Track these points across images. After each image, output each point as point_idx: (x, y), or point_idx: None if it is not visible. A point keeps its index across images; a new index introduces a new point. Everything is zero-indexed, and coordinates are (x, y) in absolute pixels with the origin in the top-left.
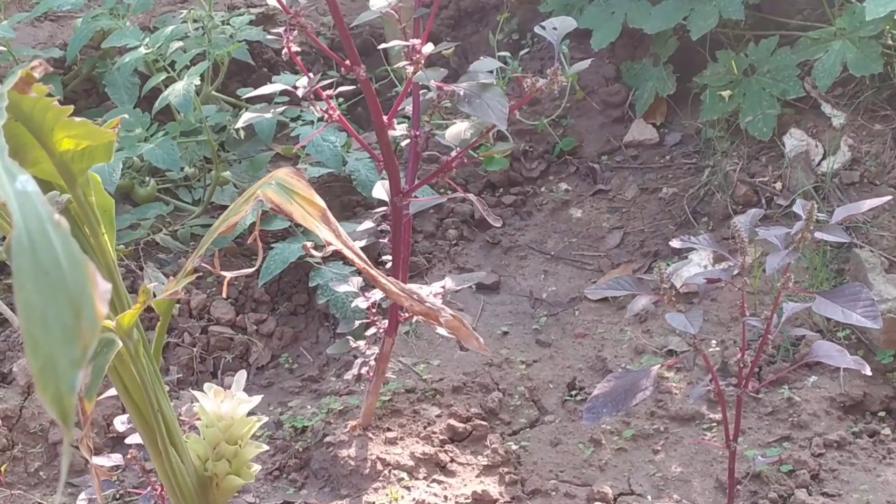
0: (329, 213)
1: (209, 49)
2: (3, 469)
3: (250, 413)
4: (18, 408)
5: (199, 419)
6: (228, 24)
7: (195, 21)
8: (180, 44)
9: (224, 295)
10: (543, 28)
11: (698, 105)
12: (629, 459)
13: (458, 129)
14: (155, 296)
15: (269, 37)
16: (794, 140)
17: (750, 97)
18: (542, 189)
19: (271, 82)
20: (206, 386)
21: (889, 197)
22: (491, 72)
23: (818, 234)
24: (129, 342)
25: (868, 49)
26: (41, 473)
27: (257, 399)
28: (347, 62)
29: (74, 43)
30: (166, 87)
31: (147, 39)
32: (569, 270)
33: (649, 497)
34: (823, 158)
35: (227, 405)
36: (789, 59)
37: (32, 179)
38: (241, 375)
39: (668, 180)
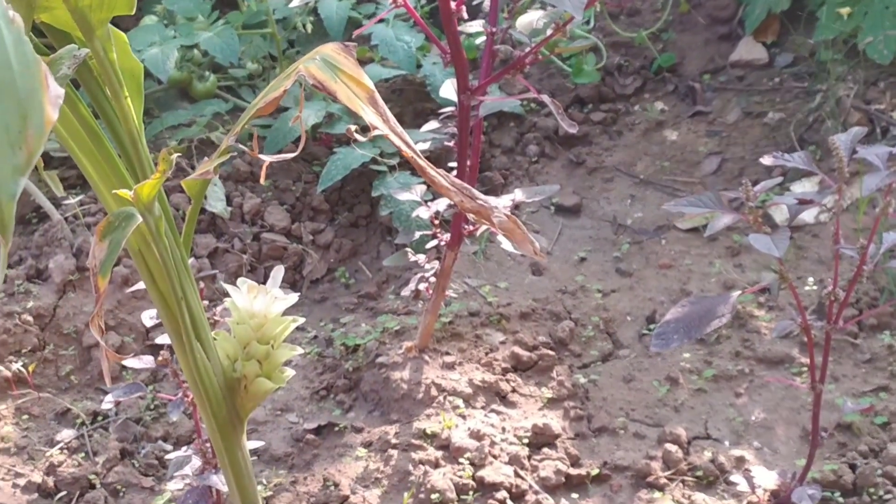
0: (377, 96)
1: None
2: (31, 370)
3: (287, 313)
4: (52, 307)
5: (229, 317)
6: None
7: None
8: None
9: (261, 180)
10: None
11: (814, 23)
12: (708, 401)
13: (531, 19)
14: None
15: None
16: None
17: (872, 16)
18: (636, 108)
19: None
20: (239, 280)
21: None
22: None
23: None
24: (149, 217)
25: None
26: (72, 378)
27: (295, 297)
28: None
29: None
30: None
31: None
32: (658, 196)
33: (727, 443)
34: None
35: (260, 302)
36: None
37: None
38: (279, 270)
39: (775, 105)
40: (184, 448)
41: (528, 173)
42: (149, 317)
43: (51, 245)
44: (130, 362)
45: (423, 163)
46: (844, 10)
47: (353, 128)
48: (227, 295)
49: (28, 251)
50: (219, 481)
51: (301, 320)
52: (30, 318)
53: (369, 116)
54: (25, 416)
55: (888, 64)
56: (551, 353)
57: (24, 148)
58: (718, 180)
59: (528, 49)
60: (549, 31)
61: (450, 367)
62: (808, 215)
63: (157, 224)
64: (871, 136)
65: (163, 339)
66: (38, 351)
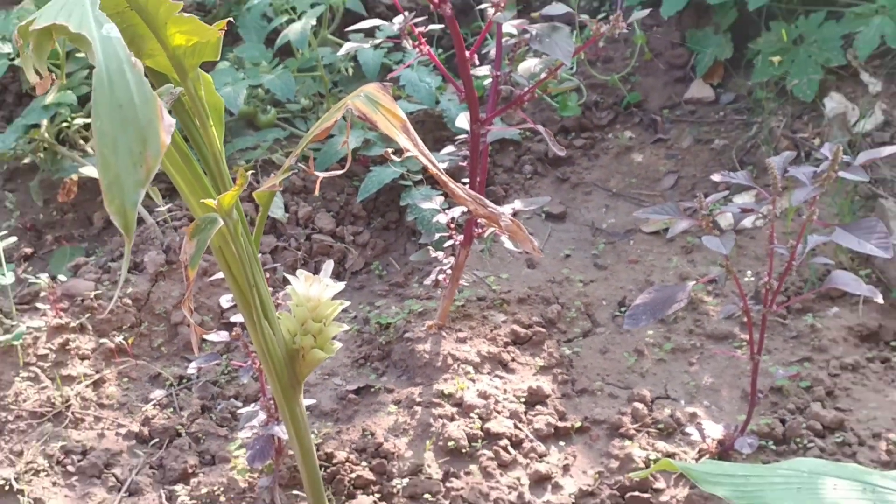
0: (409, 125)
1: None
2: (130, 342)
3: (335, 298)
4: (146, 292)
5: (290, 301)
6: None
7: None
8: None
9: (316, 192)
10: None
11: (751, 69)
12: (667, 369)
13: (529, 64)
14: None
15: None
16: (834, 102)
17: (797, 63)
18: (609, 136)
19: (379, 29)
20: (298, 271)
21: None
22: (565, 17)
23: (842, 173)
24: (229, 221)
25: None
26: (163, 348)
27: (341, 285)
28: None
29: None
30: (287, 28)
31: None
32: (627, 206)
33: (682, 402)
34: (858, 120)
35: (315, 288)
36: (834, 31)
37: (116, 28)
38: (329, 264)
39: (720, 133)
40: (252, 405)
41: (524, 187)
42: (225, 300)
43: (145, 243)
44: (210, 336)
45: (444, 178)
46: (776, 59)
47: (389, 150)
48: (286, 284)
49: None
50: (280, 431)
51: (346, 303)
52: (129, 301)
53: (403, 141)
54: (125, 379)
55: (810, 101)
56: (543, 330)
57: (144, 166)
58: (675, 193)
59: (525, 89)
60: (542, 75)
61: (462, 341)
62: (747, 221)
63: (235, 227)
64: (798, 159)
65: (236, 318)
66: (136, 327)
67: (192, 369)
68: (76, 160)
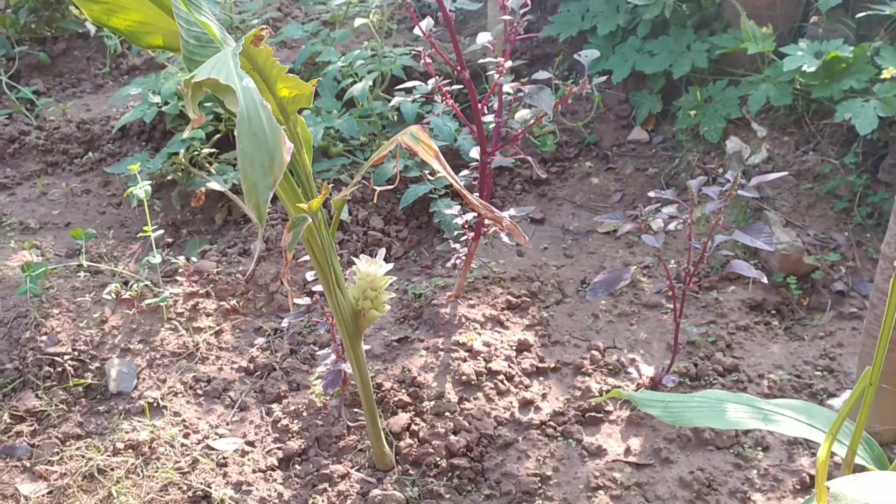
0: (440, 155)
1: (379, 66)
2: (241, 304)
3: (385, 274)
4: (252, 270)
5: (355, 276)
6: (392, 53)
7: (372, 49)
8: (362, 62)
9: (374, 200)
10: (580, 56)
11: (675, 119)
12: (615, 328)
13: (523, 114)
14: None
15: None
16: (733, 143)
17: (707, 115)
18: (575, 165)
19: (416, 89)
20: (361, 256)
21: (785, 173)
22: (547, 81)
23: (741, 192)
24: (315, 219)
25: (783, 89)
26: (263, 309)
27: (390, 266)
28: (458, 68)
29: (300, 58)
30: (352, 87)
31: (342, 58)
32: (587, 214)
33: (625, 350)
34: (750, 156)
35: (372, 267)
36: (733, 93)
37: (252, 80)
38: (381, 252)
39: (652, 164)
40: (325, 349)
41: (515, 200)
42: (309, 275)
43: (252, 236)
44: (298, 300)
45: (464, 192)
46: (692, 112)
47: (426, 172)
48: (352, 265)
49: (239, 239)
50: (346, 367)
51: (392, 279)
52: (240, 276)
53: (436, 166)
54: (237, 330)
55: (716, 142)
56: (528, 299)
57: (272, 176)
58: (621, 206)
59: (519, 131)
60: (531, 121)
61: (472, 306)
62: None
63: (319, 224)
64: (707, 183)
65: (316, 288)
66: (244, 294)
67: (284, 323)
68: (203, 177)
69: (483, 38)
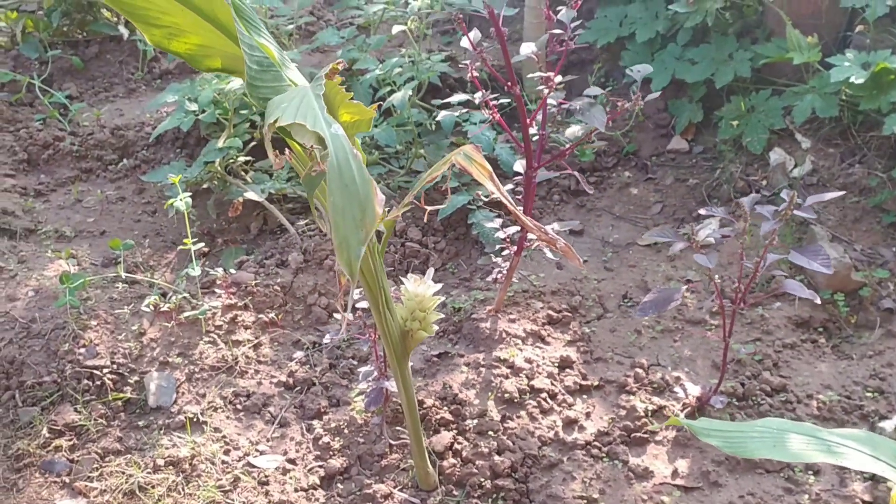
0: (493, 174)
1: (416, 74)
2: (279, 317)
3: (433, 294)
4: (290, 282)
5: (403, 296)
6: (429, 59)
7: (409, 56)
8: (399, 69)
9: (426, 219)
10: (632, 71)
11: (716, 129)
12: (658, 345)
13: (574, 129)
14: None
15: (458, 65)
16: (776, 155)
17: (750, 126)
18: (613, 175)
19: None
20: (408, 276)
21: (841, 192)
22: (595, 96)
23: (797, 212)
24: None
25: (829, 100)
26: (301, 322)
27: (438, 286)
28: (509, 83)
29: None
30: (389, 95)
31: (380, 65)
32: (627, 226)
33: (669, 368)
34: (794, 167)
35: (421, 288)
36: (777, 104)
37: (341, 127)
38: (430, 272)
39: (693, 175)
40: (367, 365)
41: (553, 211)
42: (357, 293)
43: (290, 247)
44: (338, 316)
45: (517, 212)
46: (734, 122)
47: (479, 193)
48: (400, 282)
49: (276, 250)
50: (389, 385)
51: (441, 298)
52: (278, 288)
53: (489, 186)
54: (276, 343)
55: (759, 153)
56: (569, 314)
57: (364, 230)
58: (661, 217)
59: (567, 146)
60: (582, 137)
61: (512, 321)
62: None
63: (373, 247)
64: (753, 195)
65: (360, 305)
66: (283, 307)
67: (326, 339)
68: (239, 186)
69: (526, 48)
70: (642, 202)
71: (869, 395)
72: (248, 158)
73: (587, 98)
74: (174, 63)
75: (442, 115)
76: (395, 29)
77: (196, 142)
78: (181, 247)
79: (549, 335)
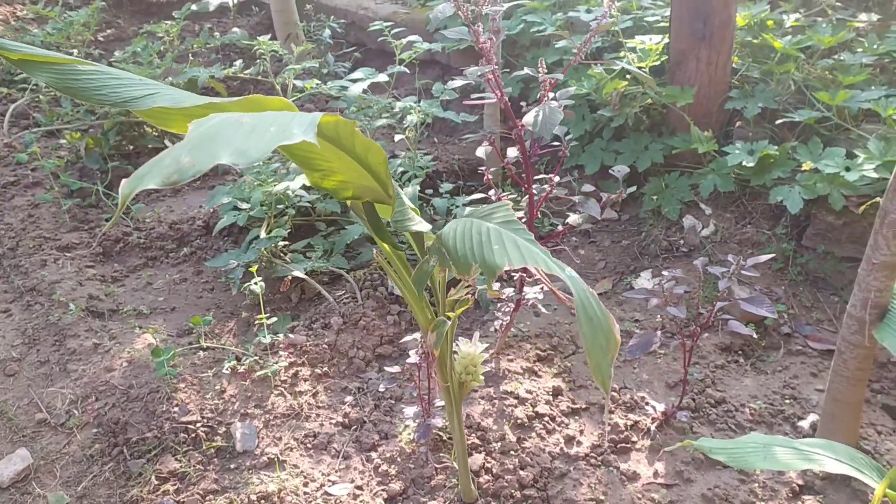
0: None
1: (414, 171)
2: (329, 369)
3: (481, 353)
4: (334, 341)
5: (457, 354)
6: (420, 159)
7: (409, 157)
8: (401, 168)
9: (470, 304)
10: (614, 170)
11: (636, 202)
12: (622, 372)
13: (575, 218)
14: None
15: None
16: (689, 220)
17: (666, 199)
18: (564, 240)
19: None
20: (460, 339)
21: (771, 255)
22: (589, 192)
23: (743, 271)
24: (447, 323)
25: (726, 179)
26: (346, 371)
27: (485, 345)
28: (527, 185)
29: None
30: None
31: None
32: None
33: (634, 389)
34: (702, 229)
35: (472, 348)
36: (685, 182)
37: (573, 270)
38: (476, 335)
39: (624, 237)
40: (412, 407)
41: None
42: (413, 353)
43: (330, 312)
44: (389, 368)
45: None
46: (655, 197)
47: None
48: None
49: (319, 315)
50: (437, 422)
51: (486, 356)
52: (325, 346)
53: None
54: (329, 391)
55: (675, 219)
56: (552, 352)
57: (609, 354)
58: (604, 271)
59: (561, 228)
60: (581, 222)
61: (510, 360)
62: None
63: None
64: (670, 251)
65: (410, 360)
66: (330, 361)
67: (381, 388)
68: (283, 265)
69: (481, 151)
70: (589, 260)
71: (787, 401)
72: (286, 243)
73: (583, 194)
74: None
75: (436, 200)
76: (397, 138)
77: (239, 230)
78: (240, 316)
79: (539, 370)
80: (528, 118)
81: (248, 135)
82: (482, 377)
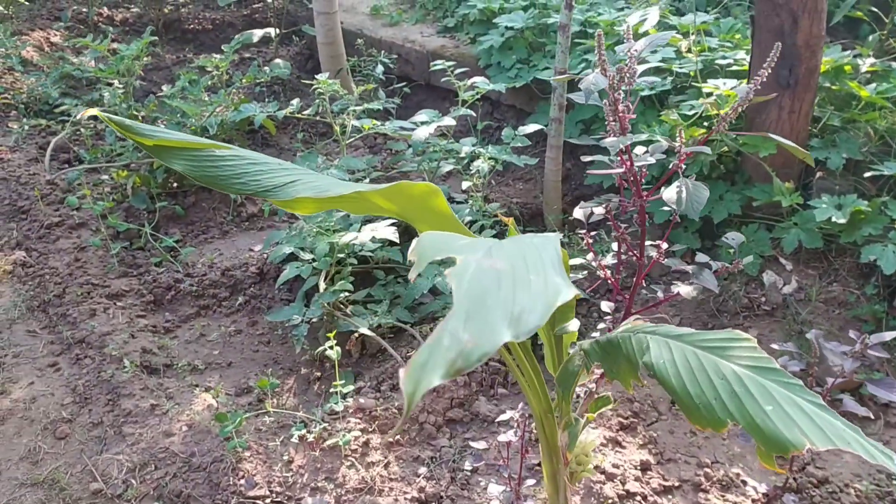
0: None
1: (485, 221)
2: (401, 437)
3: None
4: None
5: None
6: (488, 206)
7: (474, 206)
8: (469, 218)
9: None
10: (728, 238)
11: (716, 254)
12: (712, 443)
13: (687, 289)
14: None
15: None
16: (769, 276)
17: (745, 252)
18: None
19: None
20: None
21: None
22: (704, 263)
23: (869, 351)
24: (581, 423)
25: (813, 234)
26: (416, 438)
27: (598, 432)
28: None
29: None
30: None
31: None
32: None
33: (727, 464)
34: (784, 286)
35: (585, 437)
36: (765, 235)
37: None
38: (584, 420)
39: (700, 292)
40: (503, 488)
41: (595, 327)
42: (503, 437)
43: (395, 371)
44: (475, 444)
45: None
46: (732, 251)
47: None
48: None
49: (385, 374)
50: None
51: (597, 443)
52: (395, 411)
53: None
54: (400, 461)
55: (755, 275)
56: (634, 420)
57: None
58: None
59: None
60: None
61: (592, 428)
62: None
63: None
64: (751, 309)
65: (503, 438)
66: (401, 427)
67: (467, 465)
68: (345, 320)
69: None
70: (663, 314)
71: (894, 482)
72: (346, 294)
73: (697, 264)
74: (256, 207)
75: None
76: (465, 185)
77: (295, 279)
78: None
79: (623, 440)
80: (670, 195)
81: (512, 292)
82: (592, 467)
